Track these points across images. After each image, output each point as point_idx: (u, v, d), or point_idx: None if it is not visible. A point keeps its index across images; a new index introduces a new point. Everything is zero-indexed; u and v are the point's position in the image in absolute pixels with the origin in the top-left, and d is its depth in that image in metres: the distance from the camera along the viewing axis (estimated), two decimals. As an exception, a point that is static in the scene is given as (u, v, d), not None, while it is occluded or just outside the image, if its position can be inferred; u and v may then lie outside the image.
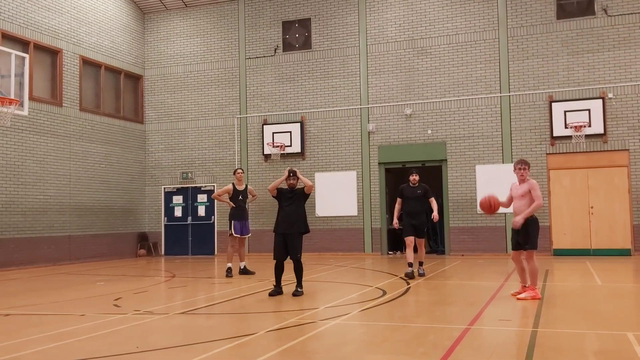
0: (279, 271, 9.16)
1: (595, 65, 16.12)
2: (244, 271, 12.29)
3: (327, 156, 18.33)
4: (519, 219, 8.19)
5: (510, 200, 8.52)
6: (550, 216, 15.97)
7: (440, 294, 9.39)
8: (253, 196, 12.88)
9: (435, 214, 11.19)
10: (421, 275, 11.24)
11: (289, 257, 9.10)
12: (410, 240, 11.10)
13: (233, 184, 12.52)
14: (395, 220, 11.32)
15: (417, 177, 11.24)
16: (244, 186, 12.58)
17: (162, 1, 20.17)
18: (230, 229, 12.29)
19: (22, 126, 15.57)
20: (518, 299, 8.21)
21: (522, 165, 8.34)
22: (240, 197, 12.39)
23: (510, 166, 15.81)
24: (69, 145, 17.18)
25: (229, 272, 12.12)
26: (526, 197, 8.27)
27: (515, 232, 8.40)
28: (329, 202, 18.04)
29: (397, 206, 11.36)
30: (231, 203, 12.36)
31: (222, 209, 18.80)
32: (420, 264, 11.43)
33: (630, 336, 5.75)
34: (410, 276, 10.97)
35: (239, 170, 12.63)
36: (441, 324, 6.67)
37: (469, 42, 17.22)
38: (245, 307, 8.39)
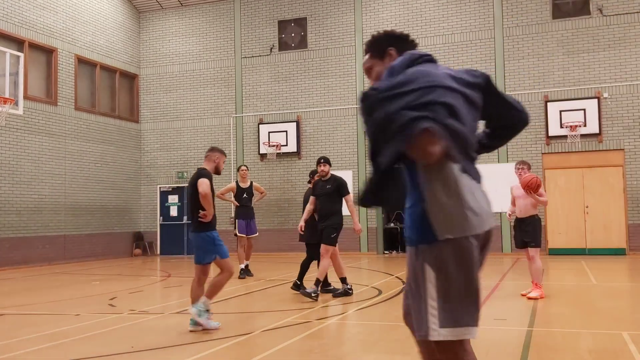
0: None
1: (591, 65, 16.15)
2: (245, 271, 11.72)
3: (323, 155, 18.28)
4: None
5: (514, 201, 8.68)
6: (546, 215, 15.98)
7: (435, 294, 9.37)
8: (261, 193, 12.31)
9: (356, 224, 8.76)
10: (311, 295, 8.30)
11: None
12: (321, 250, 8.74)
13: (236, 181, 12.11)
14: (301, 223, 9.06)
15: (325, 168, 8.87)
16: (248, 183, 12.05)
17: (158, 0, 20.13)
18: (235, 228, 11.90)
19: (16, 125, 15.51)
20: (529, 298, 8.24)
21: (520, 166, 8.55)
22: (244, 195, 11.87)
23: (506, 166, 15.96)
24: (64, 145, 17.12)
25: (242, 273, 11.56)
26: (529, 197, 8.40)
27: (519, 231, 8.56)
28: (324, 201, 18.01)
29: (308, 205, 9.06)
30: (235, 202, 11.99)
31: (219, 208, 18.74)
32: (316, 282, 8.45)
33: (625, 335, 5.77)
34: (335, 293, 8.73)
35: (243, 167, 12.13)
36: (437, 323, 6.66)
37: (465, 41, 17.23)
38: (242, 307, 8.38)
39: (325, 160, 8.94)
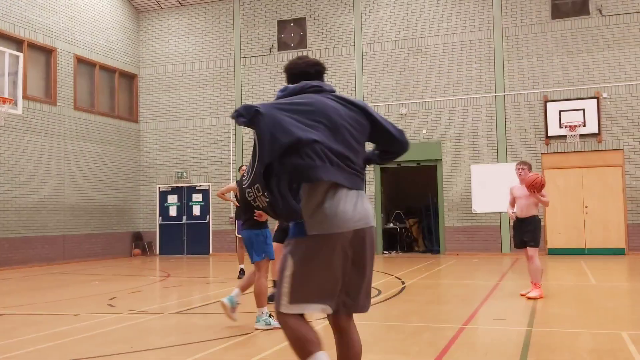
0: None
1: (590, 65, 16.16)
2: (245, 271, 11.52)
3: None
4: None
5: (514, 201, 8.66)
6: (545, 215, 15.98)
7: (435, 294, 9.40)
8: None
9: None
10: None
11: None
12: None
13: (237, 181, 12.11)
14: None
15: None
16: None
17: (157, 0, 20.12)
18: (235, 229, 11.84)
19: (16, 125, 15.51)
20: (528, 297, 8.24)
21: (521, 166, 8.59)
22: None
23: (506, 166, 15.98)
24: (63, 145, 17.12)
25: (241, 273, 11.51)
26: (532, 197, 8.40)
27: (519, 231, 8.58)
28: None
29: None
30: (236, 202, 11.95)
31: (218, 208, 18.78)
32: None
33: (624, 335, 5.77)
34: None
35: (243, 167, 11.88)
36: (436, 323, 6.68)
37: (464, 41, 17.23)
38: (240, 307, 8.37)
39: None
